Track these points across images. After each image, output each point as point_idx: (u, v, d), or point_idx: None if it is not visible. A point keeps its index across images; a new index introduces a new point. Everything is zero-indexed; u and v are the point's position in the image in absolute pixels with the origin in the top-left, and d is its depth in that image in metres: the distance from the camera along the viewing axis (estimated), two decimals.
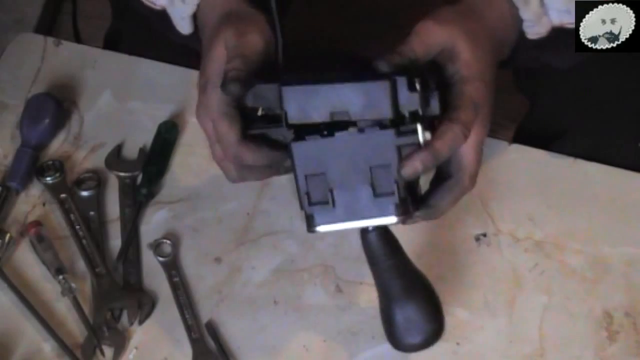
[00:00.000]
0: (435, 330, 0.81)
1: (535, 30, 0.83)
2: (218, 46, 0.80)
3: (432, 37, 0.78)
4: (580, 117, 1.04)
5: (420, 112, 0.75)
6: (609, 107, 1.03)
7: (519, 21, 0.82)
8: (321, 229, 0.77)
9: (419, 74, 0.75)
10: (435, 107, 0.76)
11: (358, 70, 0.77)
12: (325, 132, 0.75)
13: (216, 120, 0.78)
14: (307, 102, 0.75)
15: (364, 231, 0.78)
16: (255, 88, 0.77)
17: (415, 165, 0.74)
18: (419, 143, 0.74)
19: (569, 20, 0.81)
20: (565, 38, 0.82)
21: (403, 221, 0.77)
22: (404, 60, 0.76)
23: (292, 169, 0.76)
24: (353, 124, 0.75)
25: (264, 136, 0.78)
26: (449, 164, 0.79)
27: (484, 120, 0.79)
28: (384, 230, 0.78)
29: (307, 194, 0.76)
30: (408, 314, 0.80)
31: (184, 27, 0.88)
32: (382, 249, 0.79)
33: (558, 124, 1.06)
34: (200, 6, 0.85)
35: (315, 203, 0.76)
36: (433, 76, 0.77)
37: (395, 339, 0.81)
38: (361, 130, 0.75)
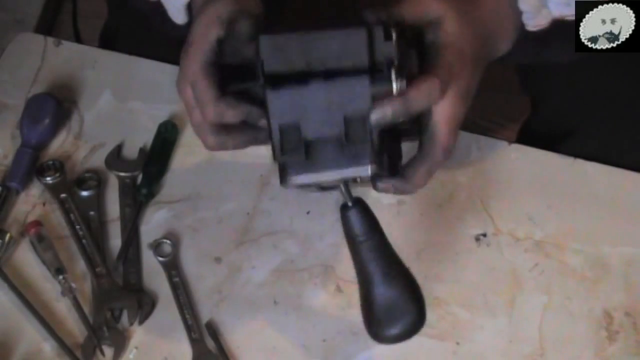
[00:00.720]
0: (416, 319, 0.80)
1: (534, 22, 0.82)
2: (204, 15, 0.80)
3: (424, 5, 0.78)
4: (585, 118, 1.05)
5: (396, 62, 0.74)
6: (614, 108, 1.03)
7: (518, 12, 0.82)
8: (294, 180, 0.76)
9: (396, 25, 0.75)
10: (411, 56, 0.76)
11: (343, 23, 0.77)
12: (301, 81, 0.75)
13: (195, 82, 0.79)
14: (283, 51, 0.74)
15: (343, 208, 0.78)
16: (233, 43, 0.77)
17: (385, 111, 0.74)
18: (393, 91, 0.74)
19: (569, 12, 0.81)
20: (566, 31, 0.82)
21: (376, 178, 0.78)
22: (390, 19, 0.76)
23: (266, 120, 0.76)
24: (329, 72, 0.74)
25: (242, 93, 0.78)
26: (423, 136, 0.78)
27: (461, 94, 0.78)
28: (363, 208, 0.78)
29: (281, 143, 0.75)
30: (389, 300, 0.79)
31: (179, 17, 0.88)
32: (362, 227, 0.78)
33: (562, 125, 1.06)
34: None
35: (288, 152, 0.75)
36: (411, 30, 0.77)
37: (375, 328, 0.80)
38: (336, 78, 0.74)
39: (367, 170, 0.75)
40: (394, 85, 0.74)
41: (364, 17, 0.75)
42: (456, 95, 0.77)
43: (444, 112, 0.77)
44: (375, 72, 0.74)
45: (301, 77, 0.75)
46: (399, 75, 0.74)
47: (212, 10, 0.80)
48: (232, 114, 0.78)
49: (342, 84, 0.74)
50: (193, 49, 0.79)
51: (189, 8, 0.86)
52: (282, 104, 0.75)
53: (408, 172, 0.80)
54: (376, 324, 0.80)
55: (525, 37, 0.84)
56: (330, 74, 0.74)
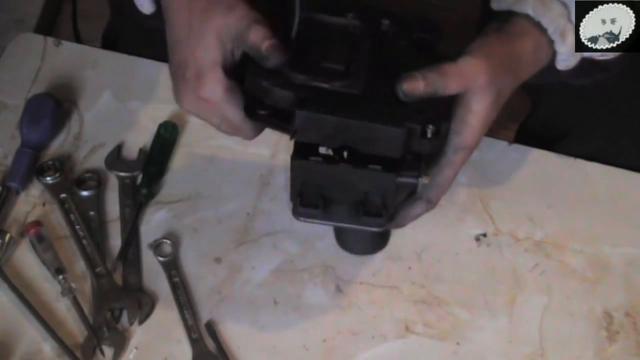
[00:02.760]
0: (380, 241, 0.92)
1: (566, 63, 0.83)
2: (208, 34, 0.80)
3: (468, 79, 0.78)
4: (584, 117, 1.05)
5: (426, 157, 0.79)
6: (613, 108, 1.03)
7: (553, 53, 0.82)
8: (305, 220, 0.80)
9: (433, 119, 0.76)
10: (438, 148, 0.79)
11: (373, 74, 0.78)
12: (329, 158, 0.77)
13: (222, 109, 0.81)
14: (319, 128, 0.76)
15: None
16: (269, 88, 0.78)
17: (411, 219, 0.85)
18: (416, 184, 0.78)
19: (599, 53, 0.82)
20: (589, 67, 0.83)
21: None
22: (428, 90, 0.76)
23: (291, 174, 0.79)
24: (359, 157, 0.76)
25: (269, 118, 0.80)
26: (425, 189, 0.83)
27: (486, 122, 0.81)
28: None
29: (300, 196, 0.78)
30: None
31: (146, 6, 0.87)
32: None
33: (562, 125, 1.06)
34: None
35: (306, 205, 0.79)
36: (446, 123, 0.79)
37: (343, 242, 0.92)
38: (364, 167, 0.76)
39: (378, 228, 0.81)
40: (420, 181, 0.78)
41: (397, 93, 0.76)
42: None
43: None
44: (402, 163, 0.77)
45: (331, 156, 0.77)
46: (426, 169, 0.79)
47: (213, 30, 0.80)
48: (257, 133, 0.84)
49: (369, 172, 0.76)
50: (207, 75, 0.80)
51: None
52: (306, 171, 0.77)
53: (401, 219, 0.85)
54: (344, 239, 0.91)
55: (549, 71, 0.85)
56: (359, 160, 0.76)
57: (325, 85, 0.77)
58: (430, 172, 0.80)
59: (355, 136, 0.76)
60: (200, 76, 0.80)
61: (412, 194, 0.83)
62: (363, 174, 0.77)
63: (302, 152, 0.77)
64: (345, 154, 0.77)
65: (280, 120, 0.78)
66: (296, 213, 0.79)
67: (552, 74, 0.84)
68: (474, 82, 0.78)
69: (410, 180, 0.78)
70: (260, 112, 0.79)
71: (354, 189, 0.78)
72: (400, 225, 0.86)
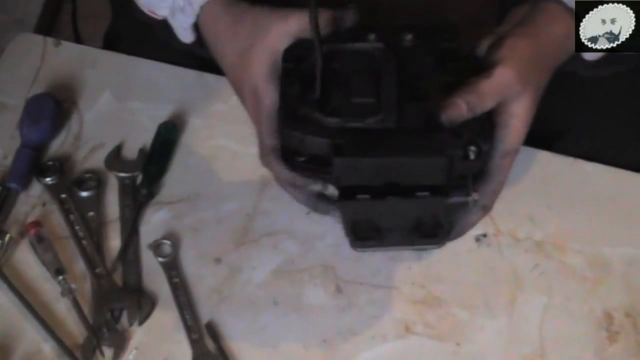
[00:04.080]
0: None
1: (595, 55, 0.84)
2: (261, 52, 0.81)
3: (505, 90, 0.78)
4: (581, 117, 1.04)
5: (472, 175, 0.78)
6: (610, 107, 1.03)
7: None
8: (364, 251, 0.84)
9: (473, 141, 0.76)
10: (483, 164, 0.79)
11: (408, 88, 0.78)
12: (375, 194, 0.76)
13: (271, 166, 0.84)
14: (359, 171, 0.75)
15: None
16: (302, 137, 0.77)
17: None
18: (467, 202, 0.78)
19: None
20: (613, 57, 0.84)
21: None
22: (470, 114, 0.76)
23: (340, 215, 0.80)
24: (405, 189, 0.75)
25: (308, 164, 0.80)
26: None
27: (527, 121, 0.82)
28: None
29: (354, 231, 0.79)
30: None
31: (186, 36, 0.89)
32: None
33: (559, 124, 1.06)
34: (201, 17, 0.86)
35: (362, 239, 0.79)
36: (486, 141, 0.78)
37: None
38: (412, 196, 0.75)
39: (436, 246, 0.82)
40: (469, 199, 0.77)
41: (437, 118, 0.75)
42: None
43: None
44: (449, 186, 0.76)
45: (377, 192, 0.75)
46: (474, 183, 0.78)
47: (266, 47, 0.81)
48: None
49: (419, 201, 0.76)
50: (264, 90, 0.81)
51: (196, 27, 0.87)
52: (356, 211, 0.77)
53: (457, 233, 0.86)
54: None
55: (574, 61, 0.85)
56: (406, 192, 0.75)
57: (359, 124, 0.76)
58: (479, 185, 0.79)
59: (398, 172, 0.75)
60: (256, 90, 0.81)
61: (463, 209, 0.82)
62: (412, 203, 0.76)
63: (347, 193, 0.76)
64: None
65: (319, 165, 0.78)
66: (354, 246, 0.80)
67: (575, 64, 0.84)
68: (510, 92, 0.78)
69: (460, 199, 0.77)
70: (299, 159, 0.79)
71: (405, 218, 0.78)
72: (460, 235, 0.86)
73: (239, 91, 0.85)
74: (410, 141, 0.75)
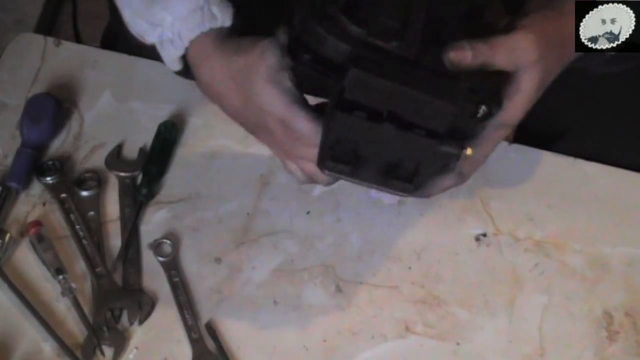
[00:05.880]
0: None
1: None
2: (263, 86, 0.80)
3: (519, 54, 0.77)
4: (581, 117, 1.04)
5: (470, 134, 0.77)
6: (610, 107, 1.03)
7: None
8: (330, 174, 0.79)
9: (486, 100, 0.75)
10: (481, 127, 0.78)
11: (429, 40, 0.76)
12: (373, 116, 0.74)
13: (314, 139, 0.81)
14: (368, 89, 0.73)
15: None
16: (323, 37, 0.74)
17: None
18: (458, 155, 0.76)
19: None
20: (628, 54, 0.83)
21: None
22: (475, 62, 0.75)
23: (325, 126, 0.76)
24: (404, 122, 0.74)
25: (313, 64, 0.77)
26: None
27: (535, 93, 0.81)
28: None
29: (332, 150, 0.76)
30: None
31: (173, 66, 0.87)
32: None
33: (559, 124, 1.06)
34: (190, 51, 0.84)
35: (338, 160, 0.76)
36: (497, 106, 0.77)
37: None
38: (409, 130, 0.74)
39: (405, 194, 0.79)
40: (463, 152, 0.76)
41: (445, 62, 0.75)
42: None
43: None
44: (446, 135, 0.75)
45: (376, 115, 0.74)
46: (469, 146, 0.76)
47: (263, 78, 0.79)
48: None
49: (411, 137, 0.74)
50: (295, 120, 0.80)
51: (184, 57, 0.86)
52: (347, 125, 0.75)
53: (430, 189, 0.83)
54: None
55: (590, 57, 0.84)
56: (404, 124, 0.74)
57: (381, 44, 0.74)
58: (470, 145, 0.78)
59: (405, 104, 0.73)
60: (285, 122, 0.80)
61: (444, 167, 0.80)
62: (405, 138, 0.74)
63: (346, 106, 0.74)
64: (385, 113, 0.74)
65: (323, 67, 0.75)
66: (324, 166, 0.77)
67: (589, 60, 0.84)
68: (524, 59, 0.77)
69: (454, 150, 0.76)
70: (305, 55, 0.76)
71: (390, 151, 0.76)
72: (427, 195, 0.84)
73: (255, 128, 0.84)
74: (428, 79, 0.74)
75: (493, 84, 0.77)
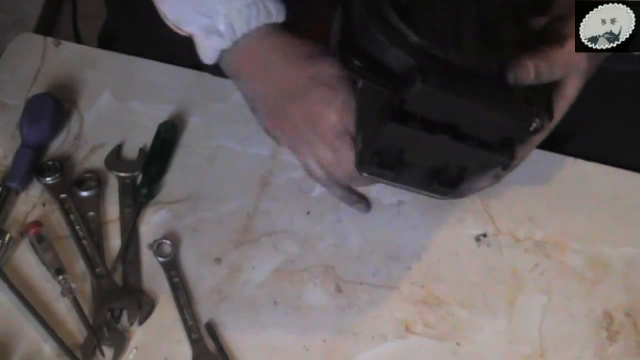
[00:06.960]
0: None
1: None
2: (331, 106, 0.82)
3: (572, 66, 0.78)
4: (584, 117, 1.04)
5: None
6: (613, 108, 1.03)
7: None
8: (371, 177, 0.79)
9: (539, 113, 0.75)
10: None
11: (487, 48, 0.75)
12: (428, 127, 0.73)
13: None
14: (430, 103, 0.72)
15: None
16: (386, 46, 0.73)
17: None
18: (507, 164, 0.77)
19: None
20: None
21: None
22: (537, 81, 0.76)
23: (378, 130, 0.76)
24: (457, 133, 0.74)
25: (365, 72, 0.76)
26: None
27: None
28: None
29: (379, 155, 0.76)
30: None
31: (210, 57, 0.86)
32: None
33: (561, 124, 1.06)
34: (240, 44, 0.84)
35: (383, 166, 0.77)
36: (549, 119, 0.78)
37: None
38: (462, 141, 0.74)
39: (444, 197, 0.80)
40: (512, 162, 0.77)
41: (506, 76, 0.75)
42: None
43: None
44: (497, 144, 0.75)
45: (430, 126, 0.73)
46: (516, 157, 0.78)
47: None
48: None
49: (465, 148, 0.74)
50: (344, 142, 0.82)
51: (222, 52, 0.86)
52: (398, 137, 0.75)
53: (471, 185, 0.85)
54: None
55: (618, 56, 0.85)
56: (457, 135, 0.74)
57: (442, 56, 0.73)
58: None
59: (463, 116, 0.73)
60: (340, 136, 0.82)
61: (487, 171, 0.81)
62: (457, 147, 0.74)
63: (402, 116, 0.73)
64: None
65: (376, 75, 0.74)
66: (366, 170, 0.77)
67: (619, 58, 0.85)
68: (574, 69, 0.79)
69: (505, 160, 0.76)
70: (356, 62, 0.74)
71: (437, 158, 0.76)
72: (462, 196, 0.86)
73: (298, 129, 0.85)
74: (487, 91, 0.73)
75: (546, 93, 0.78)
